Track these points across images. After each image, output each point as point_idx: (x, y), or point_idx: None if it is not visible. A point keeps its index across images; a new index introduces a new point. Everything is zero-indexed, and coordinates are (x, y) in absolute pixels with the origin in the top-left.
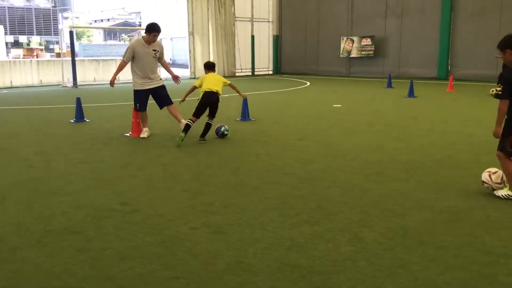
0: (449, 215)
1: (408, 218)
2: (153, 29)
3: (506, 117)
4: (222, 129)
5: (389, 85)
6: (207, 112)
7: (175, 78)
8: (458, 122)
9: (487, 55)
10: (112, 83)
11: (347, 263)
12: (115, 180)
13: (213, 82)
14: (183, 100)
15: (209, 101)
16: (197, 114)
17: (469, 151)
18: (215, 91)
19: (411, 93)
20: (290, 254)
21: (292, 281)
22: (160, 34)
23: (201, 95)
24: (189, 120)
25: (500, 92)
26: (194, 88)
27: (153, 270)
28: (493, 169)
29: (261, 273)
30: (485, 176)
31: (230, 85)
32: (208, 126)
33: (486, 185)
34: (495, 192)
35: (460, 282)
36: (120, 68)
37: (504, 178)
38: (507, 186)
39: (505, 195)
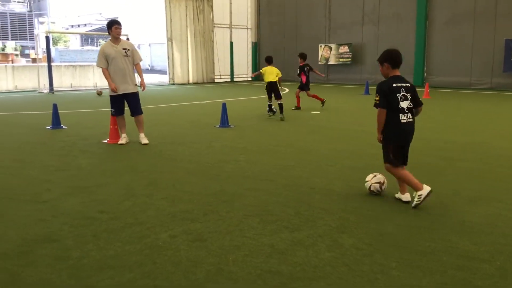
0: (425, 220)
1: (387, 223)
2: (113, 23)
3: (384, 126)
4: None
5: (367, 91)
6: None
7: (142, 84)
8: (434, 129)
9: (462, 63)
10: (114, 89)
11: (327, 269)
12: (93, 187)
13: (272, 75)
14: (254, 76)
15: (272, 89)
16: (269, 97)
17: (445, 157)
18: (274, 81)
19: None
20: (271, 261)
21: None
22: (138, 39)
23: (266, 84)
24: (269, 103)
25: (377, 101)
26: (260, 73)
27: (133, 279)
28: (371, 176)
29: (242, 281)
30: (369, 176)
31: (279, 79)
32: (281, 106)
33: (367, 184)
34: (398, 196)
35: (438, 287)
36: (107, 75)
37: (384, 184)
38: (416, 192)
39: (417, 200)
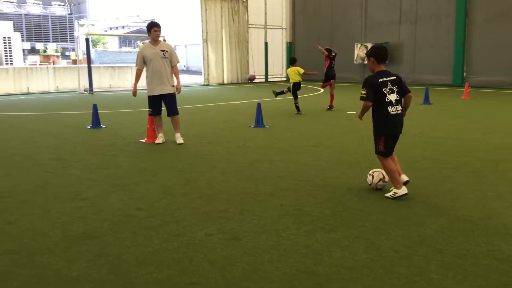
0: (466, 223)
1: (425, 226)
2: (152, 25)
3: (374, 119)
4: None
5: None
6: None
7: (177, 88)
8: (474, 130)
9: (503, 62)
10: (134, 93)
11: (364, 271)
12: (132, 185)
13: (296, 76)
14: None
15: (296, 88)
16: (294, 97)
17: (486, 158)
18: (298, 81)
19: (426, 100)
20: (306, 261)
21: None
22: (174, 40)
23: (291, 85)
24: (296, 105)
25: (364, 95)
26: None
27: (170, 276)
28: (374, 170)
29: (277, 280)
30: (368, 178)
31: (304, 73)
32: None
33: (372, 185)
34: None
35: None
36: (137, 77)
37: (386, 177)
38: (393, 188)
39: (391, 194)
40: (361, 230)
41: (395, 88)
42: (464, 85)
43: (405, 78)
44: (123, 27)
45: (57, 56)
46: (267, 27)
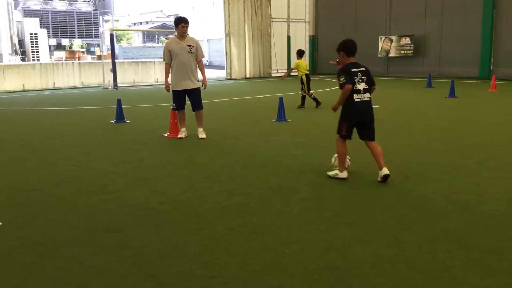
0: (492, 218)
1: (449, 220)
2: (180, 21)
3: (342, 105)
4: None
5: (429, 85)
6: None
7: (203, 83)
8: (501, 123)
9: None
10: (167, 88)
11: (386, 265)
12: (155, 179)
13: (306, 67)
14: (284, 76)
15: (309, 80)
16: (308, 88)
17: None
18: (307, 73)
19: (452, 93)
20: (328, 256)
21: (330, 283)
22: (197, 35)
23: (304, 77)
24: (312, 96)
25: (343, 81)
26: (292, 69)
27: (192, 269)
28: (333, 160)
29: (298, 275)
30: (332, 160)
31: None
32: (304, 98)
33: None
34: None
35: (504, 287)
36: (167, 71)
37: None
38: (337, 169)
39: (333, 174)
40: (384, 225)
41: (364, 78)
42: (491, 78)
43: (430, 71)
44: (146, 22)
45: (82, 52)
46: (290, 20)
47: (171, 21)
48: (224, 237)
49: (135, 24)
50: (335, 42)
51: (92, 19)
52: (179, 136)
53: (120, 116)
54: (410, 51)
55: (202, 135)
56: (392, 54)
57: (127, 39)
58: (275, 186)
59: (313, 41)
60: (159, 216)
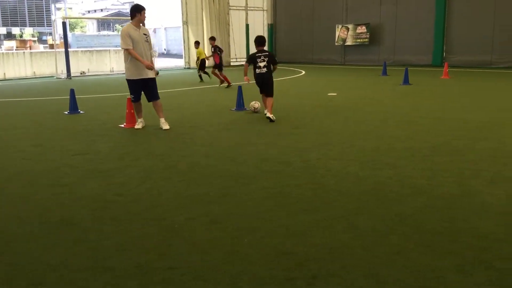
0: (444, 201)
1: (404, 205)
2: (141, 8)
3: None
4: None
5: (384, 73)
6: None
7: (153, 68)
8: (453, 109)
9: (481, 41)
10: (149, 66)
11: (343, 250)
12: (112, 171)
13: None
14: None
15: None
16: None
17: (465, 137)
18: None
19: (406, 81)
20: (287, 242)
21: (289, 268)
22: (154, 23)
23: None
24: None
25: (246, 61)
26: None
27: (150, 261)
28: (254, 102)
29: (257, 262)
30: (254, 106)
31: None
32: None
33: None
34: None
35: (456, 268)
36: (136, 55)
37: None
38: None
39: (272, 116)
40: (341, 210)
41: (266, 59)
42: (444, 65)
43: (385, 59)
44: (101, 10)
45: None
46: (248, 8)
47: (126, 8)
48: (183, 227)
49: (89, 12)
50: (293, 30)
51: (44, 7)
52: (136, 126)
53: (73, 106)
54: (366, 40)
55: (165, 126)
56: (348, 42)
57: (81, 27)
58: (235, 175)
59: (272, 29)
60: (116, 209)
